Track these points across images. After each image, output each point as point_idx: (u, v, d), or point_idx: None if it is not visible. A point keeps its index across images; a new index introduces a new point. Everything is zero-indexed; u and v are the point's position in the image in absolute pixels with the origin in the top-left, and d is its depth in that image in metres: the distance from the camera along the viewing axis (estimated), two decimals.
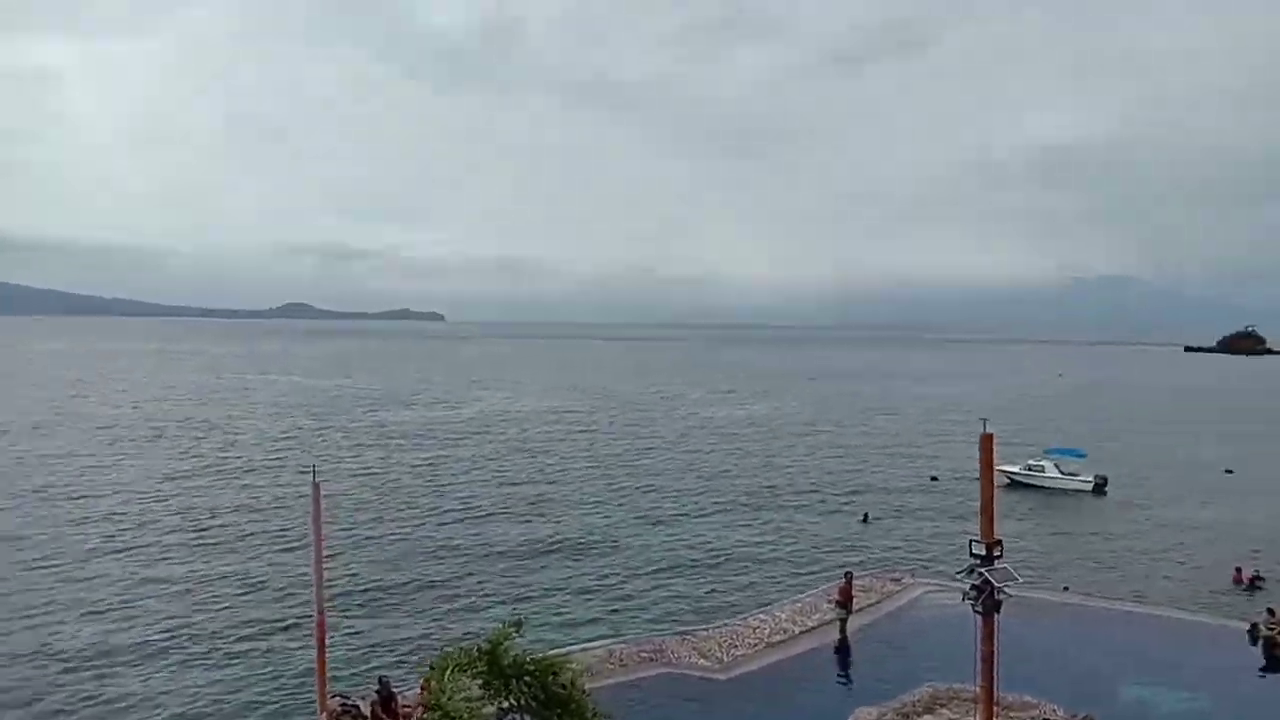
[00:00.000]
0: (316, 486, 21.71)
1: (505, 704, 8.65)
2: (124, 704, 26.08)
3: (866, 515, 52.85)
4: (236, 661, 29.40)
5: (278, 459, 69.37)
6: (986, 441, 20.74)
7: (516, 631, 8.68)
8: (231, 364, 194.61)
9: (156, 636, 31.32)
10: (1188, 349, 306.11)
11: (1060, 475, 62.49)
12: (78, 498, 53.76)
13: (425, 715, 8.38)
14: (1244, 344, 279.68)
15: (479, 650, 8.45)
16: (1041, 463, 63.84)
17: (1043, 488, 61.98)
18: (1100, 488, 61.53)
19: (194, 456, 70.48)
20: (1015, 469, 63.64)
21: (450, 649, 8.30)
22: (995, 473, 61.63)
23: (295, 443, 78.11)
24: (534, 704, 8.86)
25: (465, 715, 7.94)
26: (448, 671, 8.14)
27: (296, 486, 55.63)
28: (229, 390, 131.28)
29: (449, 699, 7.92)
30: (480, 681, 8.44)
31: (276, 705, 26.37)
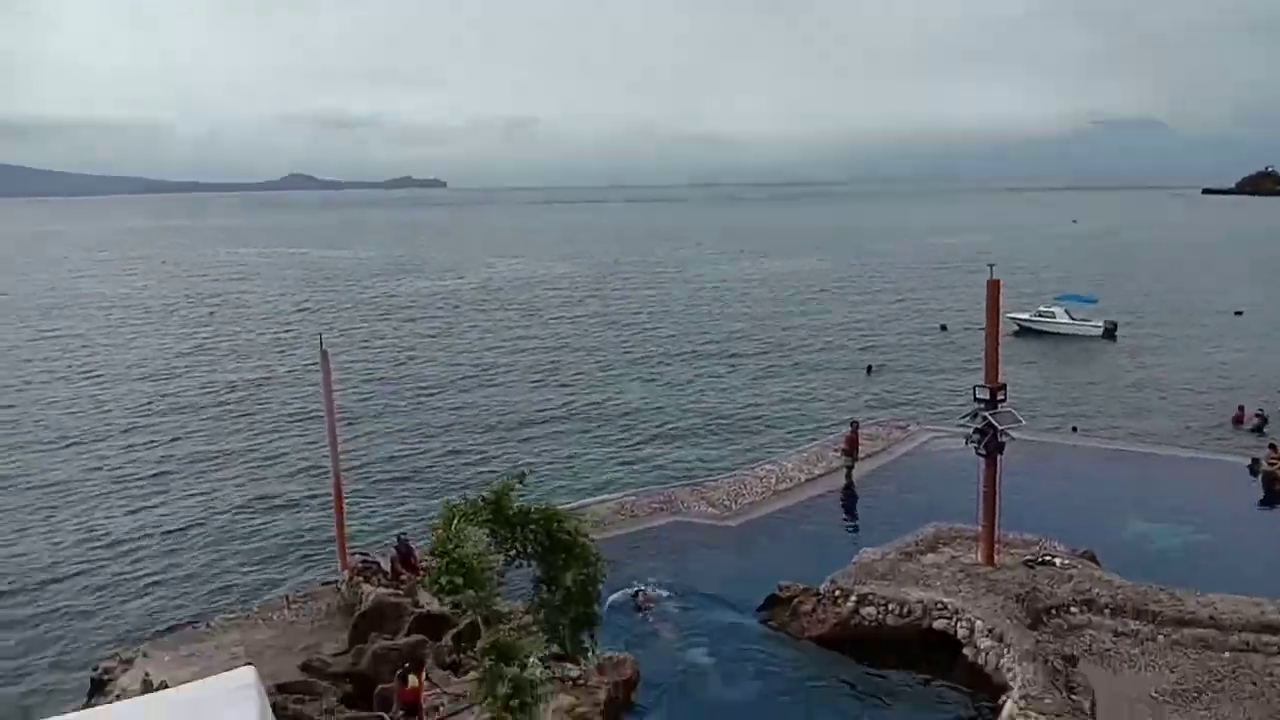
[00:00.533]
0: (325, 354, 22.03)
1: (512, 551, 8.98)
2: (157, 579, 27.05)
3: (870, 367, 53.24)
4: (261, 530, 30.31)
5: (290, 331, 69.83)
6: (993, 287, 20.72)
7: (520, 483, 8.93)
8: (238, 238, 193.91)
9: (183, 512, 32.20)
10: (1205, 191, 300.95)
11: (1070, 321, 62.42)
12: (93, 378, 54.49)
13: (434, 562, 8.68)
14: (1263, 185, 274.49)
15: (484, 500, 8.71)
16: (1052, 309, 63.70)
17: (1053, 334, 62.03)
18: (1110, 332, 61.54)
19: (207, 332, 71.01)
20: (1025, 316, 63.58)
21: (457, 501, 8.56)
22: (1005, 320, 61.80)
23: (306, 315, 78.47)
24: (539, 550, 9.18)
25: (474, 562, 8.25)
26: (455, 521, 8.41)
27: (310, 357, 56.21)
28: (238, 264, 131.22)
29: (455, 547, 8.22)
30: (487, 530, 8.72)
31: (302, 567, 27.34)
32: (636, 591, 21.36)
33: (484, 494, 8.68)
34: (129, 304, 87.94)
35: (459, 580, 8.10)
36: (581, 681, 16.89)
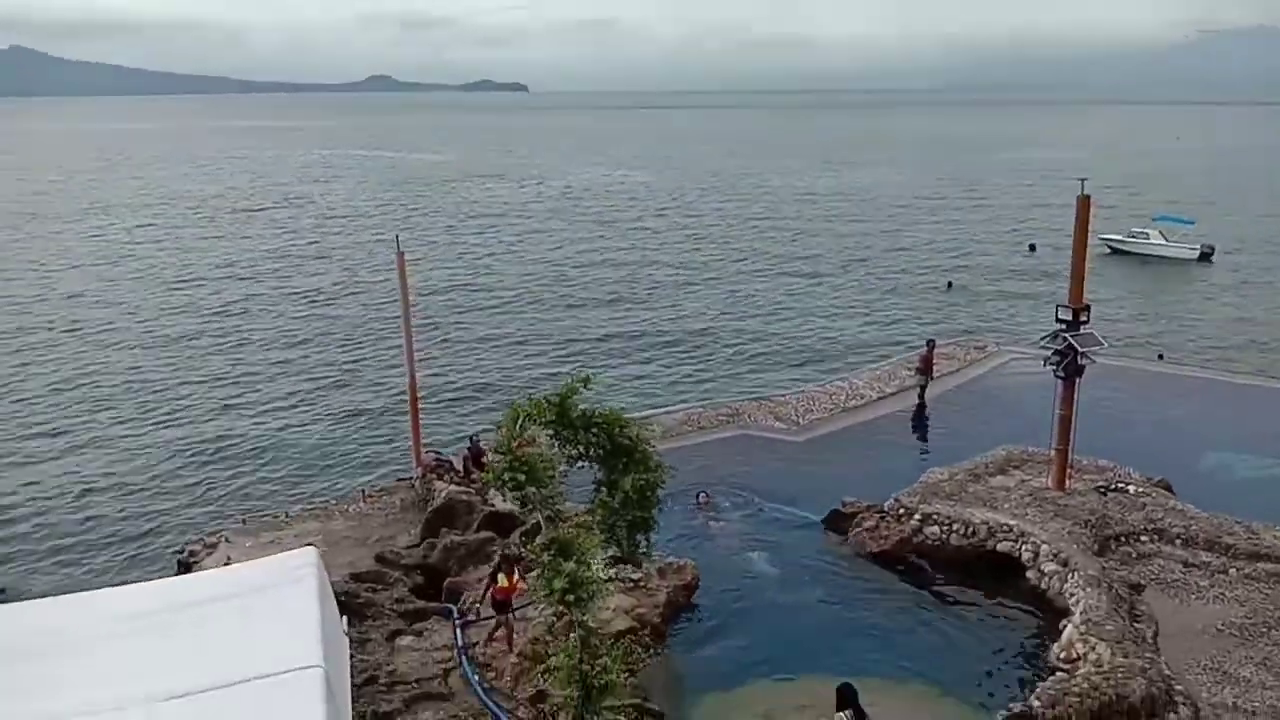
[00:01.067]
0: (401, 255, 22.38)
1: (574, 452, 9.16)
2: (243, 472, 28.23)
3: (950, 283, 52.18)
4: (340, 429, 31.32)
5: (373, 234, 70.83)
6: (1083, 204, 19.95)
7: (585, 386, 9.04)
8: (322, 140, 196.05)
9: (267, 411, 33.35)
10: None
11: (1165, 243, 60.05)
12: (186, 279, 56.22)
13: (495, 460, 8.90)
14: None
15: (548, 402, 8.86)
16: (1146, 230, 61.31)
17: (1146, 255, 59.83)
18: (1206, 256, 59.09)
19: (292, 234, 72.47)
20: (1118, 236, 61.34)
21: (522, 400, 8.74)
22: (1096, 240, 59.53)
23: (387, 218, 79.40)
24: (601, 453, 9.33)
25: (536, 461, 8.44)
26: (519, 421, 8.59)
27: (391, 261, 57.06)
28: (323, 166, 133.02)
29: (519, 446, 8.42)
30: (550, 431, 8.90)
31: (379, 464, 28.25)
32: (699, 493, 21.77)
33: (549, 396, 8.84)
34: (218, 204, 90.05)
35: (521, 477, 8.31)
36: (643, 584, 17.35)
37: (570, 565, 8.30)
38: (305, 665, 4.58)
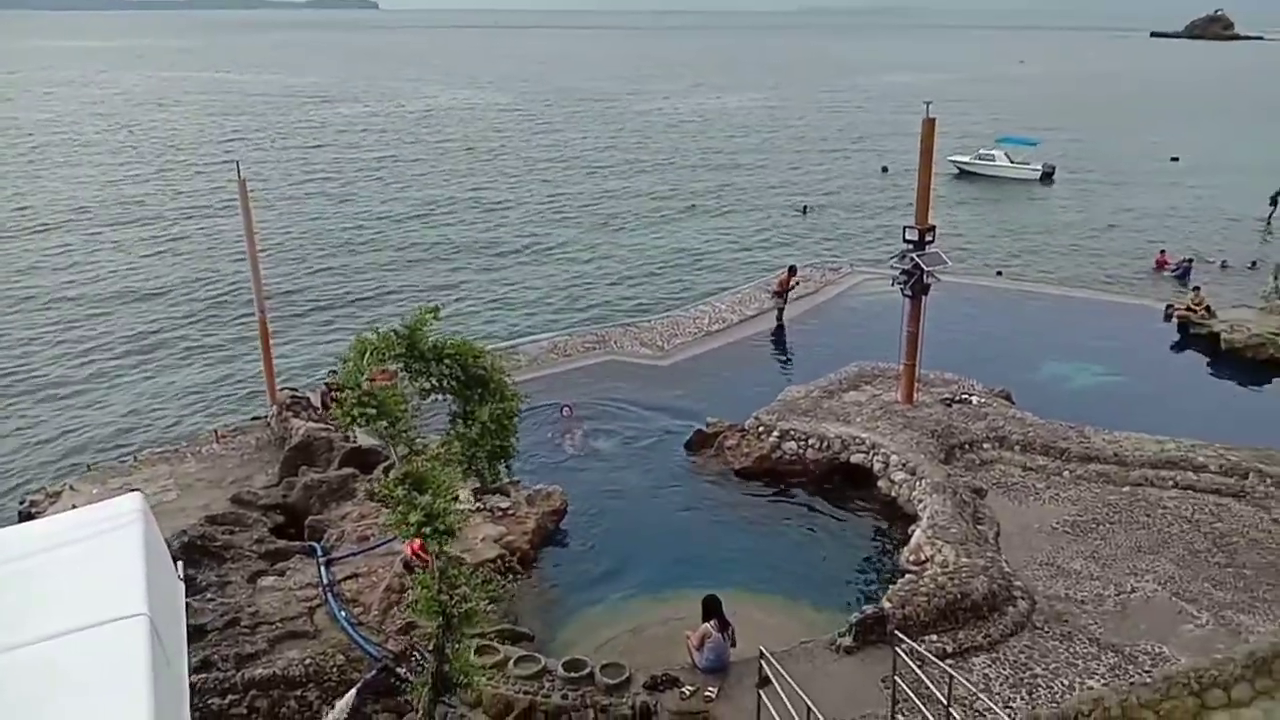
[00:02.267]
0: (243, 183, 21.28)
1: (426, 385, 9.03)
2: (83, 416, 26.75)
3: (805, 208, 53.30)
4: (188, 367, 29.96)
5: (217, 160, 67.20)
6: (927, 126, 20.48)
7: (434, 316, 8.87)
8: (152, 61, 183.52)
9: (106, 348, 31.56)
10: (1154, 34, 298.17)
11: (1009, 164, 62.64)
12: (12, 220, 52.27)
13: (341, 395, 8.68)
14: (1211, 29, 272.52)
15: (396, 334, 8.66)
16: (992, 151, 63.75)
17: (992, 176, 62.33)
18: (1048, 176, 61.97)
19: (130, 163, 68.09)
20: (965, 158, 63.61)
21: (368, 333, 8.52)
22: (945, 162, 61.29)
23: (232, 143, 75.39)
24: (455, 384, 9.22)
25: (387, 396, 8.27)
26: (365, 355, 8.37)
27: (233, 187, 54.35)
28: (158, 90, 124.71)
29: (367, 379, 8.23)
30: (400, 365, 8.74)
31: (231, 403, 27.25)
32: (562, 407, 22.28)
33: (396, 328, 8.64)
34: (48, 134, 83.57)
35: (372, 412, 8.13)
36: (511, 512, 17.42)
37: (425, 499, 8.22)
38: (129, 614, 4.39)
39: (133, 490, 5.89)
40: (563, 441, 21.40)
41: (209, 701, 13.39)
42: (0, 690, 3.99)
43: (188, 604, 14.87)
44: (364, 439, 19.01)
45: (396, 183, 60.04)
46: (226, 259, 41.11)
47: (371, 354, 8.49)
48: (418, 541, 13.92)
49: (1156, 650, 13.55)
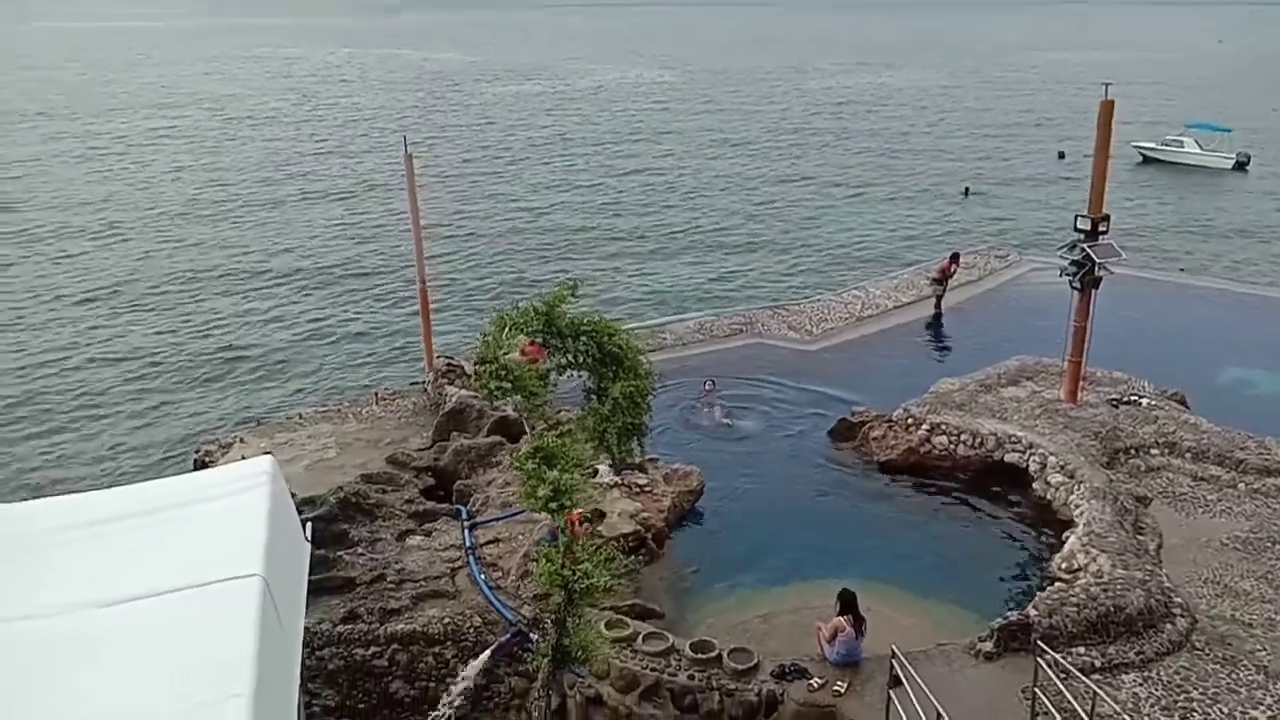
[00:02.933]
0: (409, 158, 22.10)
1: (563, 360, 9.15)
2: (257, 372, 28.51)
3: (967, 189, 51.29)
4: (353, 332, 31.45)
5: (382, 134, 69.94)
6: (1106, 108, 19.31)
7: (572, 293, 8.96)
8: (338, 37, 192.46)
9: (281, 310, 33.48)
10: None
11: (1199, 151, 58.48)
12: (195, 184, 55.96)
13: (480, 368, 8.88)
14: None
15: (535, 310, 8.80)
16: (1180, 138, 59.67)
17: (1179, 164, 58.36)
18: (1242, 165, 57.54)
19: (307, 135, 71.72)
20: (1150, 145, 59.77)
21: (508, 309, 8.68)
22: (1129, 148, 58.01)
23: (397, 117, 78.17)
24: (590, 361, 9.29)
25: (523, 370, 8.41)
26: (505, 330, 8.54)
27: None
28: (341, 66, 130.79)
29: (505, 353, 8.39)
30: (527, 342, 8.89)
31: (392, 368, 28.45)
32: (705, 380, 22.34)
33: (535, 304, 8.78)
34: (235, 105, 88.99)
35: (507, 386, 8.31)
36: (648, 489, 17.52)
37: (554, 473, 8.34)
38: (244, 574, 4.61)
39: (265, 456, 6.20)
40: (702, 415, 21.51)
41: (354, 651, 14.09)
42: (115, 639, 4.26)
43: (339, 557, 15.69)
44: (511, 410, 19.50)
45: (562, 160, 61.06)
46: (395, 232, 42.81)
47: (510, 329, 8.66)
48: (578, 512, 14.32)
49: None
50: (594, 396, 9.59)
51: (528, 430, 9.04)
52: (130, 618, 4.41)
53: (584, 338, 9.17)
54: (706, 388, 22.26)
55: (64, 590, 4.61)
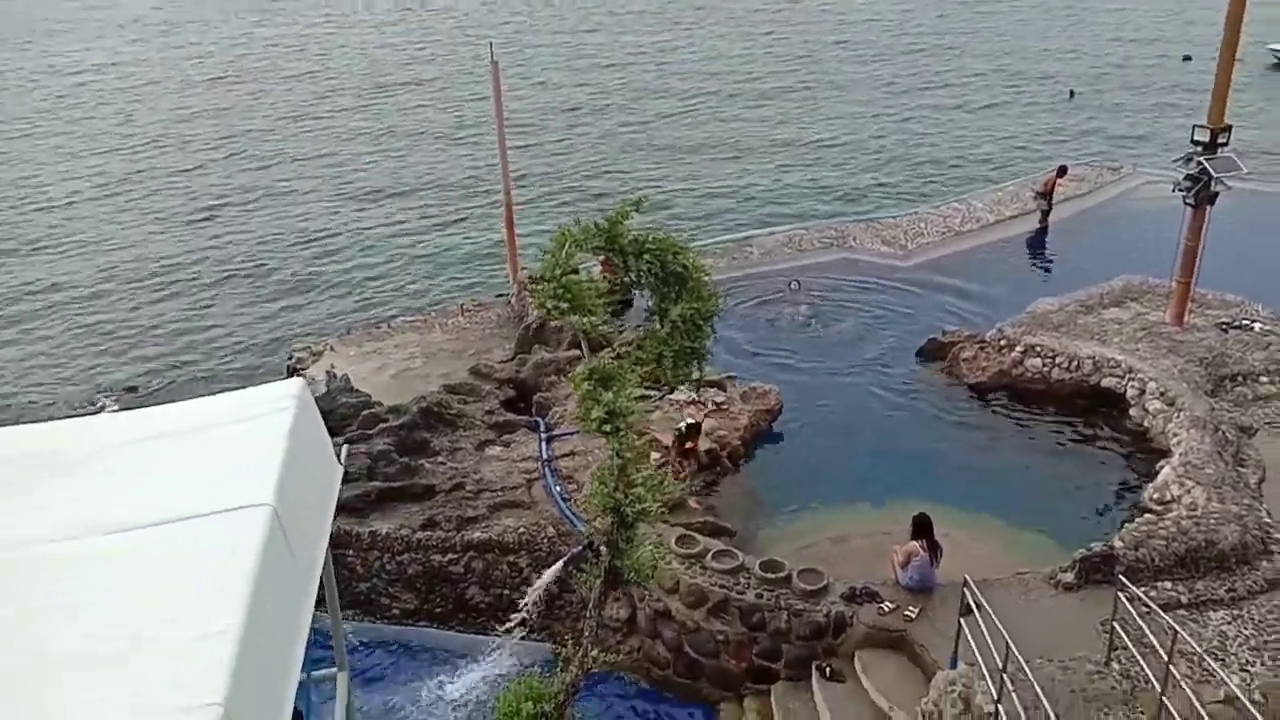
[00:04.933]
0: (495, 65, 21.83)
1: (626, 279, 8.97)
2: (348, 279, 28.98)
3: (1072, 91, 48.58)
4: (439, 242, 31.55)
5: (464, 40, 69.14)
6: (1237, 5, 17.76)
7: (637, 209, 8.71)
8: None
9: (383, 220, 33.83)
10: None
11: None
12: (278, 91, 56.42)
13: (534, 288, 8.76)
14: None
15: (597, 227, 8.59)
16: None
17: None
18: None
19: (390, 38, 71.52)
20: None
21: (570, 225, 8.49)
22: (1267, 51, 53.66)
23: (477, 23, 76.89)
24: (653, 281, 9.10)
25: (580, 289, 8.26)
26: (565, 247, 8.37)
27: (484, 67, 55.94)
28: None
29: (563, 273, 8.26)
30: (602, 257, 8.69)
31: (477, 278, 28.62)
32: (790, 281, 22.71)
33: (598, 220, 8.57)
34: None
35: (565, 305, 8.20)
36: (725, 407, 17.40)
37: (609, 395, 8.23)
38: (253, 504, 4.61)
39: (295, 378, 6.20)
40: (785, 315, 21.77)
41: (431, 557, 14.52)
42: (112, 567, 4.33)
43: (420, 465, 16.02)
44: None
45: (661, 69, 59.54)
46: (475, 137, 42.52)
47: (572, 245, 8.49)
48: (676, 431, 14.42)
49: None
50: (654, 317, 9.42)
51: (583, 352, 8.93)
52: (130, 546, 4.47)
53: (647, 256, 8.95)
54: (792, 287, 22.44)
55: (64, 516, 4.69)
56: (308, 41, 71.66)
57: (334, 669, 6.81)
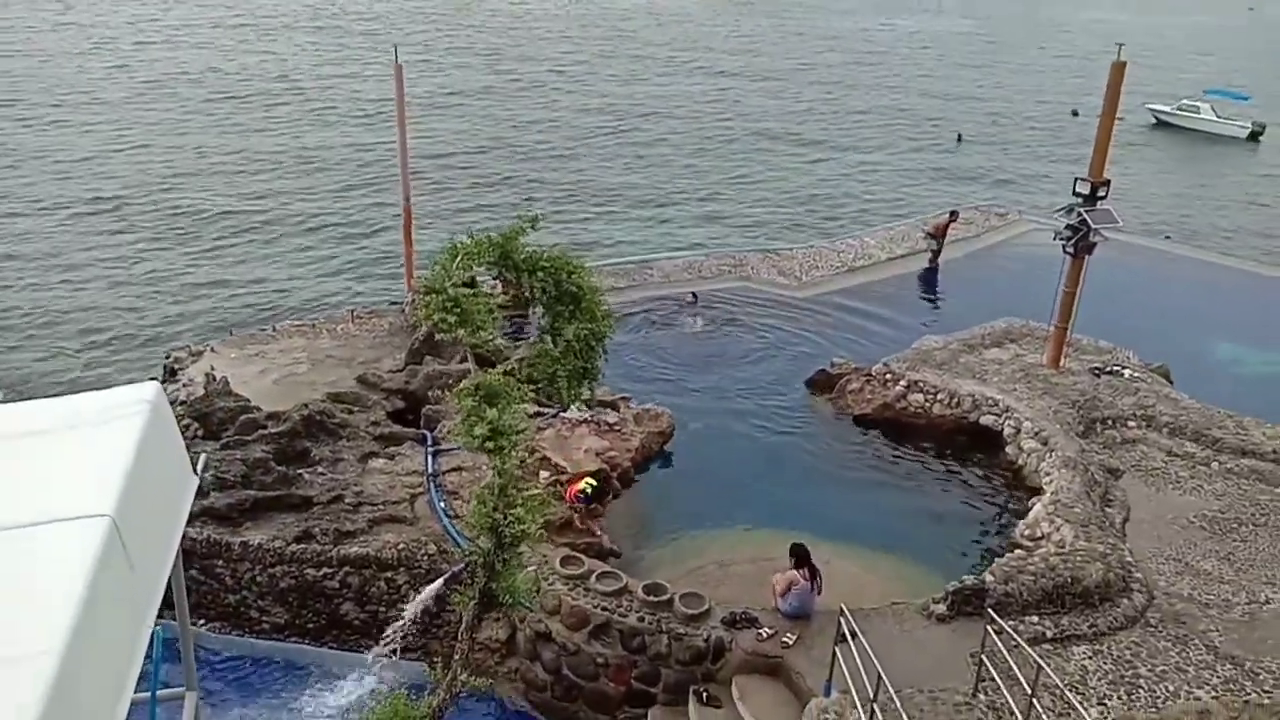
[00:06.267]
0: (399, 68, 21.42)
1: (521, 295, 8.82)
2: (230, 280, 28.02)
3: (960, 136, 50.55)
4: (331, 246, 30.83)
5: (367, 43, 68.02)
6: (1117, 71, 18.72)
7: (532, 227, 8.61)
8: None
9: (257, 218, 32.80)
10: None
11: (1215, 119, 57.35)
12: (179, 85, 54.60)
13: (422, 299, 8.56)
14: None
15: (490, 240, 8.43)
16: (1197, 103, 58.45)
17: (1192, 130, 57.29)
18: (1256, 135, 56.47)
19: (292, 45, 70.02)
20: (1166, 108, 58.60)
21: (463, 237, 8.32)
22: (1145, 110, 56.64)
23: (382, 25, 75.74)
24: (547, 299, 8.99)
25: (471, 304, 8.08)
26: (457, 259, 8.19)
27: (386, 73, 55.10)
28: None
29: (453, 285, 8.07)
30: (494, 273, 8.54)
31: (368, 285, 28.01)
32: (690, 293, 23.42)
33: (492, 235, 8.42)
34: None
35: (452, 320, 8.00)
36: (617, 428, 17.34)
37: (493, 413, 8.08)
38: (90, 514, 4.31)
39: (151, 382, 5.83)
40: (682, 323, 22.44)
41: (305, 571, 14.00)
42: None
43: (299, 475, 15.47)
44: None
45: (571, 82, 59.49)
46: (379, 145, 41.81)
47: (463, 259, 8.31)
48: (576, 486, 14.17)
49: None
50: (547, 336, 9.30)
51: (471, 367, 8.75)
52: None
53: (541, 273, 8.84)
54: (688, 300, 23.06)
55: None
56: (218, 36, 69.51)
57: (183, 688, 6.44)
